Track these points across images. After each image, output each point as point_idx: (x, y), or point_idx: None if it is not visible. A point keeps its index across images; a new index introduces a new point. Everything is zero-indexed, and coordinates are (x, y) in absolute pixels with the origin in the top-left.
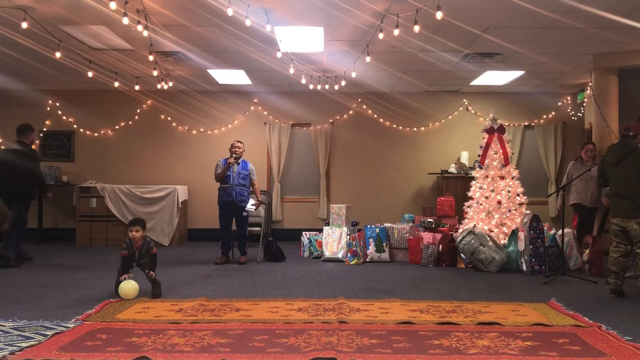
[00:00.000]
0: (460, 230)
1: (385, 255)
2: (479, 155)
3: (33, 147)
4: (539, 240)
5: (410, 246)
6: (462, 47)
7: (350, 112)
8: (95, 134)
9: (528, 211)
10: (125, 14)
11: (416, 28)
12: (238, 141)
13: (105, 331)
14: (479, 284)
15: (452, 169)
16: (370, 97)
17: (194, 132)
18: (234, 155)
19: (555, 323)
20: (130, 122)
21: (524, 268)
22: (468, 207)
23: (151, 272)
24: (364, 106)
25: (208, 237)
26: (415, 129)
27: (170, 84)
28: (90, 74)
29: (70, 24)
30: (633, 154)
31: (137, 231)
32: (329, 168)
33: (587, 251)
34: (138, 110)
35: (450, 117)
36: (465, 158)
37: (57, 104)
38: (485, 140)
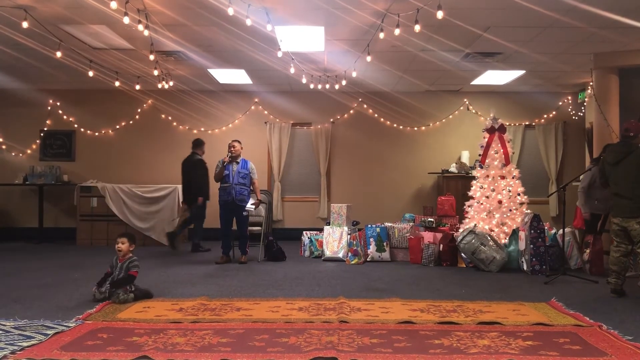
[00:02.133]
0: (460, 230)
1: (385, 255)
2: (479, 155)
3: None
4: (540, 239)
5: (411, 246)
6: (463, 46)
7: (351, 111)
8: (96, 134)
9: (529, 211)
10: (125, 14)
11: (417, 27)
12: (235, 140)
13: (106, 330)
14: (480, 284)
15: (453, 168)
16: (370, 97)
17: (195, 131)
18: (228, 154)
19: (555, 323)
20: (130, 122)
21: (525, 268)
22: (469, 206)
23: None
24: (365, 106)
25: (209, 236)
26: (415, 128)
27: (171, 83)
28: (90, 74)
29: (70, 24)
30: (633, 154)
31: (123, 243)
32: (330, 167)
33: (588, 251)
34: (139, 110)
35: (450, 116)
36: (465, 157)
37: (58, 104)
38: (486, 139)
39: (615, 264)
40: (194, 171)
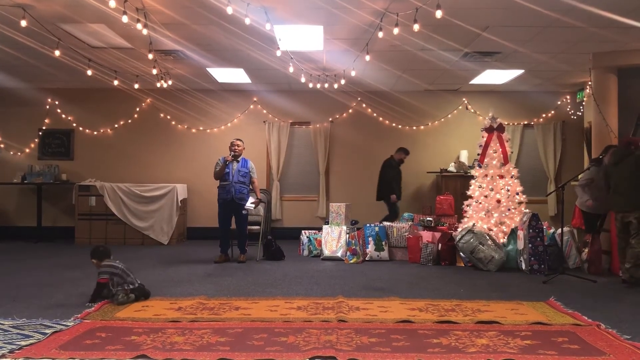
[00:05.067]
0: (459, 229)
1: (384, 254)
2: (478, 154)
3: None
4: (538, 239)
5: (410, 245)
6: (462, 45)
7: (350, 110)
8: (95, 133)
9: (527, 210)
10: (124, 12)
11: (416, 27)
12: (237, 139)
13: (105, 330)
14: (478, 283)
15: (452, 167)
16: (369, 96)
17: (194, 130)
18: (231, 153)
19: (554, 322)
20: (129, 121)
21: (523, 267)
22: (467, 205)
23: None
24: (364, 105)
25: (207, 235)
26: (414, 127)
27: (170, 82)
28: (89, 73)
29: (69, 22)
30: (631, 156)
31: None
32: (329, 167)
33: (587, 250)
34: (137, 109)
35: (449, 115)
36: (464, 157)
37: (57, 103)
38: (485, 139)
39: (624, 256)
40: (383, 171)
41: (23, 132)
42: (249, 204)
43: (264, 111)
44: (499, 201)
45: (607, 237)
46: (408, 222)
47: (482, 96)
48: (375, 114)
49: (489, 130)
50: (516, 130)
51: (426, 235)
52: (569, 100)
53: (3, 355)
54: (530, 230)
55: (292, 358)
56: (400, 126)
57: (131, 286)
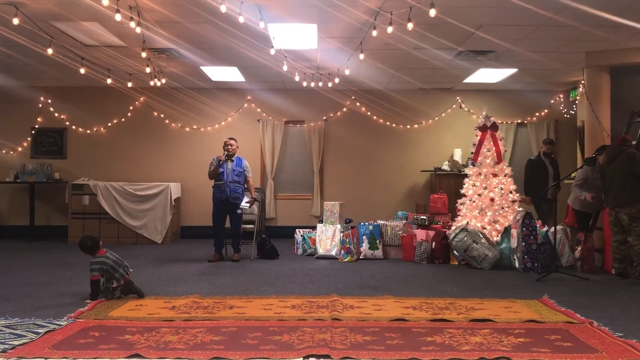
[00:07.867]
0: (453, 228)
1: (378, 253)
2: (472, 153)
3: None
4: (532, 237)
5: (404, 243)
6: (456, 44)
7: (344, 109)
8: (88, 131)
9: (520, 208)
10: (117, 11)
11: (410, 25)
12: (231, 138)
13: (98, 329)
14: (472, 281)
15: (445, 166)
16: (363, 95)
17: (187, 129)
18: (225, 153)
19: (547, 320)
20: (122, 119)
21: (517, 265)
22: (461, 204)
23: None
24: (358, 103)
25: (201, 234)
26: (408, 126)
27: (163, 80)
28: (82, 71)
29: (62, 20)
30: (623, 153)
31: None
32: (323, 165)
33: (579, 248)
34: (131, 107)
35: (443, 114)
36: (458, 155)
37: (49, 101)
38: (478, 137)
39: (616, 252)
40: (527, 170)
41: (15, 130)
42: (244, 203)
43: (258, 110)
44: (492, 200)
45: (599, 235)
46: (402, 221)
47: (476, 95)
48: (369, 113)
49: (483, 128)
50: (510, 129)
51: (420, 234)
52: (562, 99)
53: None
54: (524, 229)
55: (286, 357)
56: (394, 125)
57: (116, 283)
